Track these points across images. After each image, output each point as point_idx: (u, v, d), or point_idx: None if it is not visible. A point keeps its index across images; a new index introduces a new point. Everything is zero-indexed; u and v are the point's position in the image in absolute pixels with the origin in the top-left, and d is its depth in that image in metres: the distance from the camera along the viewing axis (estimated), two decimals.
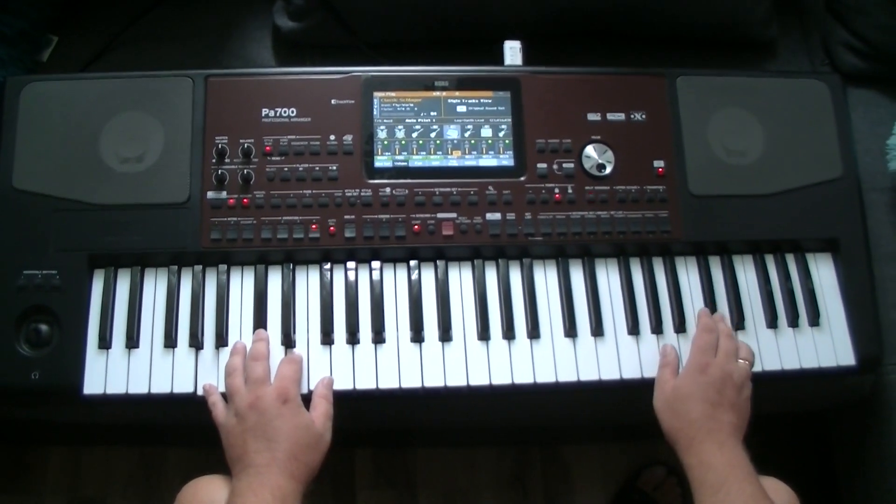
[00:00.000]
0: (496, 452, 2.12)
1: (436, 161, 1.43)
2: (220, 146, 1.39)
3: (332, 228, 1.38)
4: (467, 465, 2.11)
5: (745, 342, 1.38)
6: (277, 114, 1.42)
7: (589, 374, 1.37)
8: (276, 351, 1.34)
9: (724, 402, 1.27)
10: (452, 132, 1.44)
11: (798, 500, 1.26)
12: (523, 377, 1.36)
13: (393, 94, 1.44)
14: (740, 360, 1.33)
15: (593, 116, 1.46)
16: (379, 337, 1.36)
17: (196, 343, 1.34)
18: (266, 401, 1.22)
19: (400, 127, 1.43)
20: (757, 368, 1.39)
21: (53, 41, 1.71)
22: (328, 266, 1.39)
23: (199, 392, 1.31)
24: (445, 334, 1.37)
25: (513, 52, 1.51)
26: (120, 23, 1.70)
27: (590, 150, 1.44)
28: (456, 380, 1.35)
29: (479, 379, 1.35)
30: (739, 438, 1.26)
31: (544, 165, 1.43)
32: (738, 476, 1.18)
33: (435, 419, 1.58)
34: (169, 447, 2.05)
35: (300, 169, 1.40)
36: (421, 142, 1.43)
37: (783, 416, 1.53)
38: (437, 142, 1.43)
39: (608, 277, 1.43)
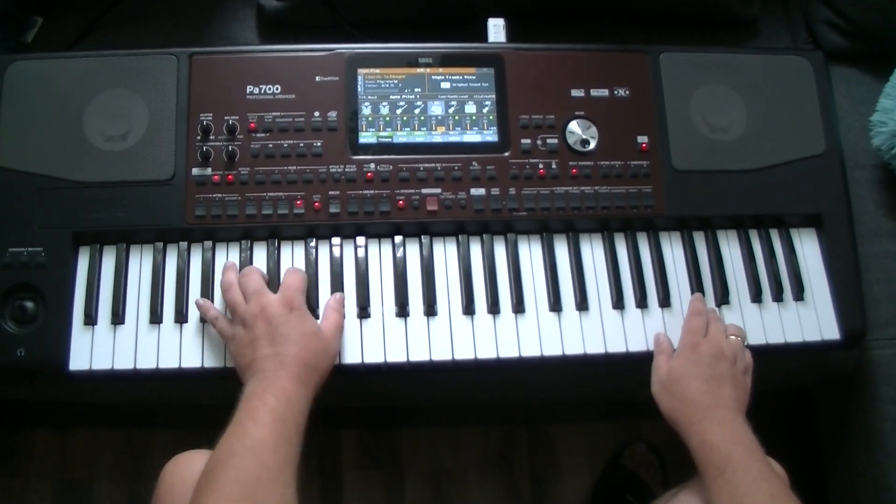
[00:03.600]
0: (482, 432, 2.13)
1: (420, 137, 1.43)
2: (204, 123, 1.39)
3: (316, 204, 1.38)
4: (453, 444, 2.11)
5: (736, 325, 1.40)
6: (262, 91, 1.42)
7: (574, 349, 1.38)
8: None
9: (719, 377, 1.27)
10: (436, 108, 1.44)
11: (786, 476, 1.26)
12: (508, 351, 1.37)
13: (377, 70, 1.45)
14: (731, 337, 1.34)
15: (577, 92, 1.47)
16: (364, 312, 1.36)
17: (181, 319, 1.34)
18: (272, 309, 1.23)
19: (384, 103, 1.43)
20: None
21: (38, 22, 1.71)
22: (313, 242, 1.39)
23: (185, 365, 1.32)
24: (430, 309, 1.37)
25: (496, 29, 1.52)
26: (104, 3, 1.70)
27: (573, 125, 1.45)
28: (441, 354, 1.35)
29: (464, 353, 1.36)
30: (741, 412, 1.26)
31: (528, 141, 1.43)
32: (742, 454, 1.17)
33: (420, 395, 1.59)
34: (155, 428, 2.05)
35: (285, 145, 1.40)
36: (405, 118, 1.43)
37: (768, 394, 1.53)
38: (422, 118, 1.44)
39: (592, 252, 1.44)
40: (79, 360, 1.32)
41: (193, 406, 1.24)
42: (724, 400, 1.25)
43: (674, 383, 1.29)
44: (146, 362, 1.32)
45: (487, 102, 1.45)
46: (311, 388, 1.20)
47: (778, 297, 1.44)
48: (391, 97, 1.44)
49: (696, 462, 1.21)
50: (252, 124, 1.40)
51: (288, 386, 1.15)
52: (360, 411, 2.09)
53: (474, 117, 1.44)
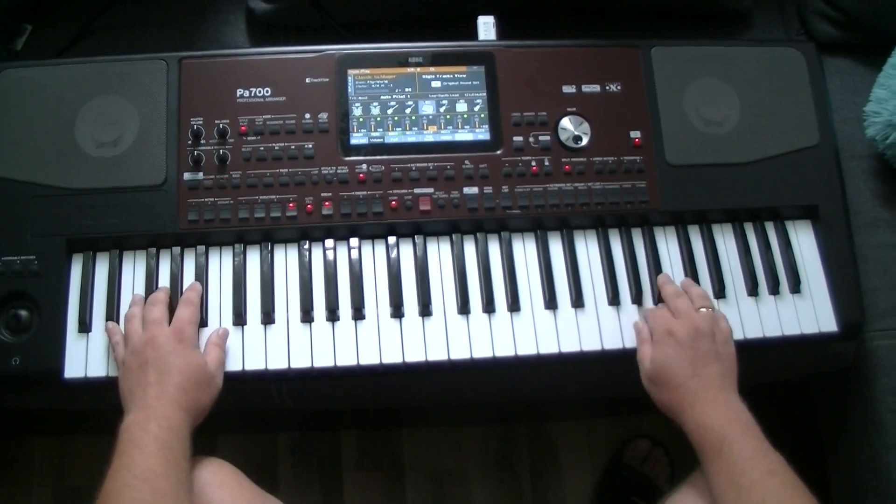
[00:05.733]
0: (482, 431, 2.12)
1: (412, 137, 1.43)
2: (195, 127, 1.39)
3: (309, 206, 1.38)
4: (453, 444, 2.11)
5: (696, 286, 1.39)
6: (252, 94, 1.42)
7: (570, 346, 1.37)
8: (257, 329, 1.35)
9: (703, 356, 1.25)
10: (427, 107, 1.44)
11: (787, 464, 1.25)
12: (504, 350, 1.36)
13: (367, 71, 1.44)
14: (701, 309, 1.32)
15: (568, 89, 1.46)
16: (359, 313, 1.36)
17: None
18: (161, 338, 1.24)
19: (375, 104, 1.43)
20: (739, 336, 1.39)
21: (27, 30, 1.71)
22: (306, 245, 1.39)
23: None
24: (425, 309, 1.37)
25: (486, 26, 1.51)
26: (94, 10, 1.70)
27: (566, 122, 1.44)
28: (437, 354, 1.35)
29: (460, 353, 1.35)
30: (732, 386, 1.25)
31: (520, 138, 1.43)
32: (736, 432, 1.16)
33: (418, 396, 1.59)
34: None
35: (276, 148, 1.40)
36: (396, 118, 1.43)
37: (768, 386, 1.52)
38: (413, 117, 1.43)
39: (587, 249, 1.43)
40: (74, 368, 1.32)
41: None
42: (712, 379, 1.23)
43: (659, 374, 1.27)
44: None
45: (479, 101, 1.44)
46: (192, 415, 1.20)
47: (775, 289, 1.43)
48: (382, 97, 1.44)
49: (694, 446, 1.20)
50: (243, 127, 1.40)
51: (169, 413, 1.17)
52: (359, 412, 2.09)
53: (466, 116, 1.44)
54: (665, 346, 1.28)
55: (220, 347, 1.32)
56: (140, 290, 1.36)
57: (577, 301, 1.39)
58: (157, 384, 1.19)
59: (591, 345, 1.38)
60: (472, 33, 1.52)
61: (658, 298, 1.40)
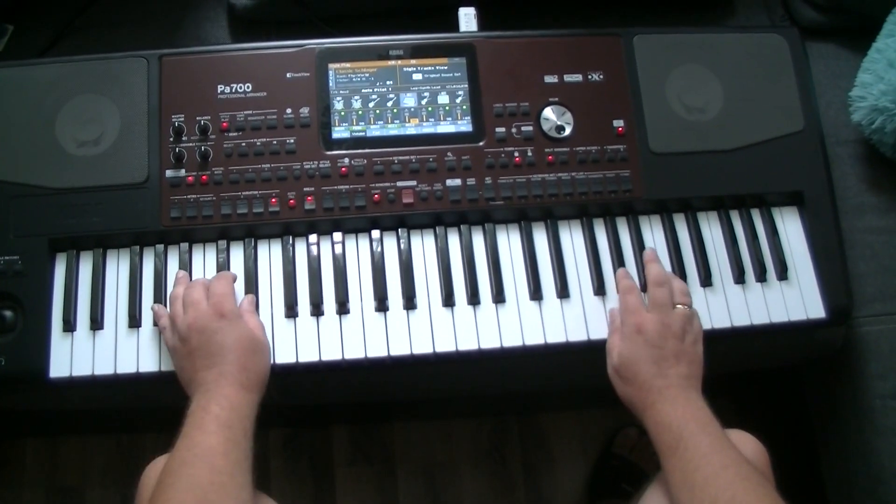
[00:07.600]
0: (473, 424, 2.12)
1: (393, 130, 1.42)
2: (176, 124, 1.39)
3: (291, 201, 1.37)
4: (444, 437, 2.11)
5: (679, 280, 1.37)
6: (233, 90, 1.42)
7: (556, 337, 1.37)
8: None
9: (669, 356, 1.25)
10: (409, 100, 1.43)
11: (765, 451, 1.24)
12: (490, 342, 1.36)
13: (348, 64, 1.44)
14: (678, 306, 1.31)
15: (550, 79, 1.46)
16: (343, 308, 1.36)
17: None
18: (203, 319, 1.24)
19: (356, 97, 1.43)
20: (726, 324, 1.40)
21: (9, 30, 1.71)
22: (290, 240, 1.39)
23: (164, 369, 1.32)
24: (410, 302, 1.37)
25: (467, 18, 1.51)
26: (75, 9, 1.69)
27: (548, 112, 1.44)
28: (422, 347, 1.35)
29: (445, 345, 1.35)
30: (695, 388, 1.24)
31: (503, 129, 1.43)
32: (692, 430, 1.15)
33: (406, 390, 1.58)
34: (145, 433, 2.05)
35: (258, 143, 1.39)
36: (378, 111, 1.43)
37: (758, 373, 1.51)
38: (394, 110, 1.43)
39: (572, 239, 1.43)
40: (59, 368, 1.32)
41: (181, 409, 1.23)
42: (675, 379, 1.23)
43: (624, 368, 1.27)
44: (127, 367, 1.32)
45: (460, 92, 1.44)
46: (255, 392, 1.21)
47: (761, 277, 1.43)
48: (363, 91, 1.43)
49: (653, 445, 1.20)
50: (224, 124, 1.40)
51: (230, 393, 1.17)
52: (350, 407, 2.09)
53: (448, 108, 1.43)
54: (633, 343, 1.27)
55: (253, 313, 1.32)
56: (124, 288, 1.36)
57: (563, 292, 1.39)
58: (214, 366, 1.20)
59: (577, 335, 1.38)
60: (454, 24, 1.51)
61: (644, 284, 1.40)
